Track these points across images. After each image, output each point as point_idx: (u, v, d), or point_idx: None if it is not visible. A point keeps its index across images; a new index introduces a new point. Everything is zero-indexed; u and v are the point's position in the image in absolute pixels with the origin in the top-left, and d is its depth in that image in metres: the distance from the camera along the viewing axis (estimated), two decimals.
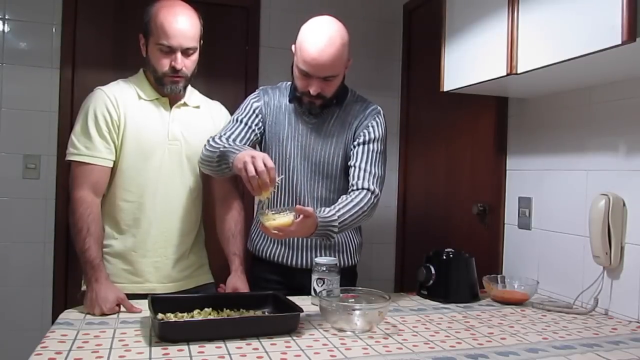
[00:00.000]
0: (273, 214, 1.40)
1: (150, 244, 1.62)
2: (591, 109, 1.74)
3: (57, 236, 2.65)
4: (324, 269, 1.58)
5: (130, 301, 1.47)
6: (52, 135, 2.64)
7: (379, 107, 1.76)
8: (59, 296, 2.64)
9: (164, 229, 1.64)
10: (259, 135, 1.74)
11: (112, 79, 1.68)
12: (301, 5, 2.97)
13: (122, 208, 1.61)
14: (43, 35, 2.63)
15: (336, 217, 1.49)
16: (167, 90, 1.61)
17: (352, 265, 1.82)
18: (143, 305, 1.43)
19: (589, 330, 1.43)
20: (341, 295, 1.48)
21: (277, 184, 1.39)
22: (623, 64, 1.43)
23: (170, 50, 1.56)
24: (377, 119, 1.72)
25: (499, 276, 1.81)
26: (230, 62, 2.91)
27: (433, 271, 1.74)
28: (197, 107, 1.73)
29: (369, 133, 1.70)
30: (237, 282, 1.66)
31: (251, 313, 1.42)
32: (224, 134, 1.65)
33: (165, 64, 1.57)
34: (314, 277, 1.59)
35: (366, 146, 1.69)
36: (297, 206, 1.41)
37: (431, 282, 1.74)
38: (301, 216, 1.39)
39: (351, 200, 1.57)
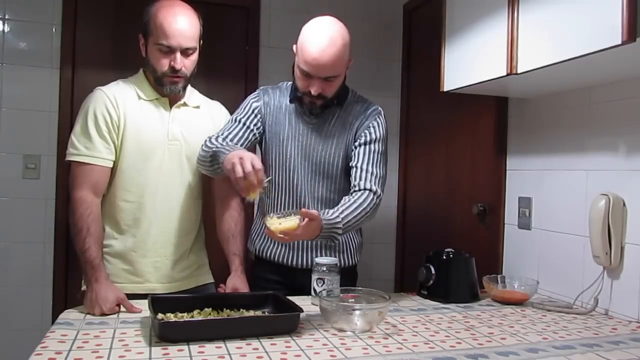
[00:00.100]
0: (278, 217, 1.40)
1: (150, 244, 1.62)
2: (591, 109, 1.73)
3: (57, 236, 2.65)
4: (324, 269, 1.58)
5: (130, 301, 1.47)
6: (52, 135, 2.64)
7: (379, 108, 1.76)
8: (59, 296, 2.64)
9: (164, 229, 1.64)
10: (257, 135, 1.74)
11: (112, 79, 1.68)
12: (301, 5, 2.97)
13: (122, 208, 1.61)
14: (43, 35, 2.63)
15: (340, 219, 1.50)
16: (167, 90, 1.61)
17: (352, 265, 1.82)
18: (143, 305, 1.43)
19: (589, 330, 1.43)
20: (341, 295, 1.48)
21: (265, 185, 1.39)
22: (623, 64, 1.43)
23: (170, 50, 1.56)
24: (378, 119, 1.72)
25: (499, 276, 1.81)
26: (230, 62, 2.91)
27: (433, 271, 1.74)
28: (197, 107, 1.73)
29: (370, 133, 1.70)
30: (237, 282, 1.66)
31: (251, 313, 1.42)
32: (222, 134, 1.65)
33: (164, 64, 1.57)
34: (314, 277, 1.59)
35: (367, 147, 1.69)
36: (303, 209, 1.41)
37: (431, 282, 1.74)
38: (306, 219, 1.40)
39: (354, 201, 1.57)
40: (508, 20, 1.58)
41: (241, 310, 1.43)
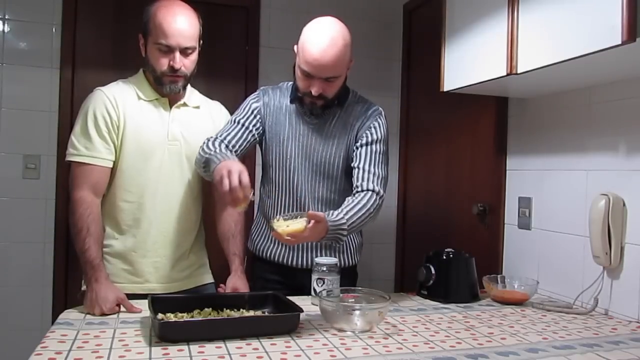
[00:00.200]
0: (285, 220, 1.41)
1: (150, 244, 1.62)
2: (591, 109, 1.73)
3: (57, 236, 2.65)
4: (324, 269, 1.58)
5: (130, 301, 1.47)
6: (52, 135, 2.64)
7: (380, 108, 1.76)
8: (59, 296, 2.64)
9: (163, 229, 1.64)
10: (257, 136, 1.74)
11: (112, 79, 1.68)
12: (301, 5, 2.97)
13: (122, 208, 1.61)
14: (43, 35, 2.63)
15: (345, 220, 1.50)
16: (166, 89, 1.61)
17: (352, 265, 1.82)
18: (143, 305, 1.43)
19: (589, 330, 1.43)
20: (341, 295, 1.48)
21: (252, 199, 1.40)
22: (623, 64, 1.43)
23: (169, 50, 1.56)
24: (378, 120, 1.73)
25: (499, 276, 1.81)
26: (230, 62, 2.91)
27: (433, 271, 1.74)
28: (197, 107, 1.73)
29: (371, 134, 1.70)
30: (237, 282, 1.67)
31: (251, 313, 1.42)
32: (221, 136, 1.65)
33: (163, 64, 1.57)
34: (314, 277, 1.59)
35: (369, 147, 1.69)
36: (310, 212, 1.42)
37: (431, 282, 1.74)
38: (312, 221, 1.40)
39: (358, 202, 1.57)
40: (508, 20, 1.58)
41: (241, 310, 1.43)
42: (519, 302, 1.71)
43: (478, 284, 1.79)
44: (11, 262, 2.59)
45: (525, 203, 2.01)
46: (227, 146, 1.63)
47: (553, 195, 1.88)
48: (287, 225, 1.39)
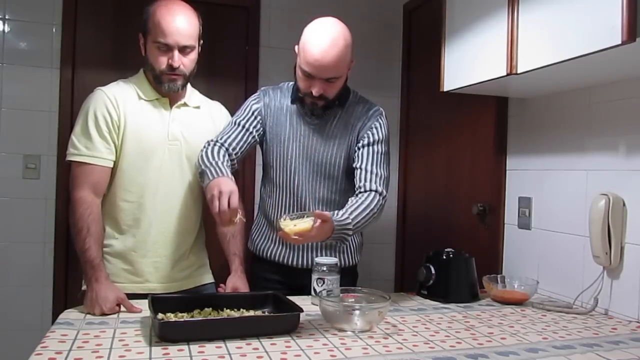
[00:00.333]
0: (291, 219, 1.42)
1: (151, 244, 1.62)
2: (591, 109, 1.74)
3: (57, 236, 2.65)
4: (324, 269, 1.58)
5: (130, 301, 1.47)
6: (52, 135, 2.64)
7: (381, 109, 1.76)
8: (59, 296, 2.64)
9: (164, 229, 1.64)
10: (257, 138, 1.74)
11: (112, 79, 1.68)
12: (301, 5, 2.97)
13: (123, 208, 1.61)
14: (43, 35, 2.63)
15: (350, 220, 1.50)
16: (165, 88, 1.61)
17: (352, 265, 1.82)
18: (143, 305, 1.43)
19: (589, 330, 1.43)
20: (341, 295, 1.48)
21: (241, 220, 1.44)
22: (623, 64, 1.43)
23: (168, 48, 1.56)
24: (380, 120, 1.73)
25: (499, 276, 1.81)
26: (230, 62, 2.91)
27: (433, 271, 1.74)
28: (198, 107, 1.73)
29: (372, 135, 1.70)
30: (237, 282, 1.67)
31: (251, 313, 1.42)
32: (221, 139, 1.65)
33: (162, 62, 1.57)
34: (314, 277, 1.59)
35: (370, 148, 1.69)
36: (316, 211, 1.42)
37: (431, 282, 1.74)
38: (319, 221, 1.41)
39: (361, 203, 1.57)
40: (508, 20, 1.58)
41: (241, 310, 1.43)
42: (519, 302, 1.71)
43: (478, 284, 1.79)
44: (11, 262, 2.59)
45: (525, 203, 2.01)
46: (226, 150, 1.63)
47: (553, 195, 1.88)
48: (294, 225, 1.40)
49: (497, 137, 2.21)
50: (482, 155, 2.34)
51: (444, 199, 2.66)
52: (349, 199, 1.61)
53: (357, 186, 1.66)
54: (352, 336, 1.29)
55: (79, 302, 1.51)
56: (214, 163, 1.52)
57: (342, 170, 1.73)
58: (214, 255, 1.83)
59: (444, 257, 1.77)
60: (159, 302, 1.36)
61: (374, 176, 1.65)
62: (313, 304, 1.55)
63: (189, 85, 1.70)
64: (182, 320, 1.32)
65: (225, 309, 1.42)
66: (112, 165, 1.58)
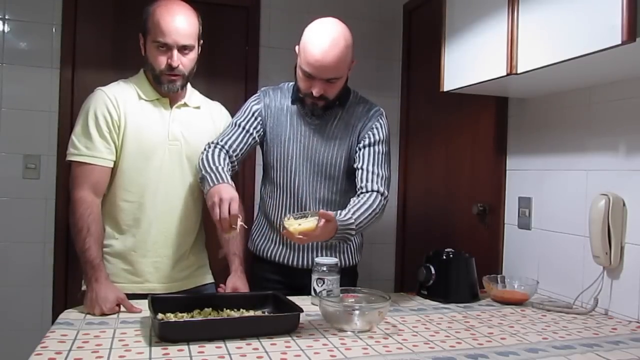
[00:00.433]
0: (296, 218, 1.42)
1: (151, 244, 1.62)
2: (591, 109, 1.73)
3: (57, 236, 2.65)
4: (324, 269, 1.58)
5: (130, 301, 1.47)
6: (52, 135, 2.64)
7: (381, 109, 1.77)
8: (59, 296, 2.64)
9: (164, 229, 1.64)
10: (257, 139, 1.74)
11: (112, 79, 1.68)
12: (301, 5, 2.97)
13: (123, 208, 1.61)
14: (43, 35, 2.63)
15: (353, 220, 1.51)
16: (165, 88, 1.61)
17: (352, 265, 1.82)
18: (143, 305, 1.43)
19: (589, 330, 1.43)
20: (341, 295, 1.48)
21: (241, 227, 1.44)
22: (623, 64, 1.43)
23: (167, 48, 1.56)
24: (380, 120, 1.73)
25: (499, 276, 1.81)
26: (230, 62, 2.91)
27: (433, 271, 1.74)
28: (198, 107, 1.73)
29: (373, 135, 1.70)
30: (237, 282, 1.67)
31: (251, 313, 1.42)
32: (222, 141, 1.65)
33: (162, 62, 1.57)
34: (314, 277, 1.59)
35: (372, 148, 1.69)
36: (321, 211, 1.43)
37: (431, 282, 1.74)
38: (323, 220, 1.41)
39: (364, 203, 1.57)
40: (508, 20, 1.58)
41: (241, 310, 1.43)
42: (519, 302, 1.71)
43: (478, 284, 1.79)
44: (11, 262, 2.59)
45: (525, 203, 2.01)
46: (227, 152, 1.64)
47: (553, 195, 1.88)
48: (299, 224, 1.40)
49: (497, 137, 2.21)
50: (482, 155, 2.34)
51: (444, 199, 2.66)
52: (351, 199, 1.61)
53: (358, 187, 1.66)
54: (352, 336, 1.29)
55: (79, 302, 1.51)
56: (214, 168, 1.53)
57: (342, 170, 1.73)
58: (214, 256, 1.83)
59: (444, 257, 1.77)
60: (158, 302, 1.36)
61: (375, 176, 1.65)
62: (313, 304, 1.55)
63: (189, 85, 1.71)
64: (182, 320, 1.32)
65: (225, 309, 1.42)
66: (112, 165, 1.58)
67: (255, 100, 1.77)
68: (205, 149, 1.63)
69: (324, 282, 1.57)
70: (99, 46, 2.73)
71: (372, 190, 1.62)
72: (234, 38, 2.92)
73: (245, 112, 1.74)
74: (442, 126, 2.70)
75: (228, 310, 1.42)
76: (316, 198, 1.72)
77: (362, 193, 1.63)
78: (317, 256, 1.69)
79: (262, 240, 1.81)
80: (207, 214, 1.79)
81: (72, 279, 2.60)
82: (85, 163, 1.54)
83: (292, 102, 1.74)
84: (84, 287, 1.54)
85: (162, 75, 1.59)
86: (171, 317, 1.35)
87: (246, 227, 1.49)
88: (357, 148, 1.71)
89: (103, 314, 1.41)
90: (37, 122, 2.63)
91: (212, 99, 1.82)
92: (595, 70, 1.52)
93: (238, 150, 1.67)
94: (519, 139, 2.10)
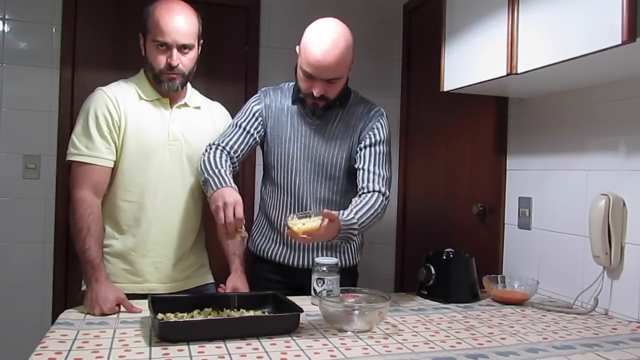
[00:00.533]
0: (299, 218, 1.43)
1: (151, 244, 1.62)
2: (591, 109, 1.73)
3: (57, 236, 2.65)
4: (324, 269, 1.58)
5: (130, 301, 1.47)
6: (52, 135, 2.64)
7: (382, 109, 1.77)
8: (59, 296, 2.64)
9: (164, 229, 1.64)
10: (258, 139, 1.74)
11: (112, 79, 1.68)
12: (301, 5, 2.97)
13: (123, 208, 1.61)
14: (43, 35, 2.63)
15: (356, 220, 1.51)
16: (165, 87, 1.61)
17: (353, 265, 1.82)
18: (143, 305, 1.43)
19: (589, 330, 1.43)
20: (341, 295, 1.48)
21: (244, 234, 1.45)
22: (623, 64, 1.43)
23: (167, 47, 1.56)
24: (381, 120, 1.73)
25: (499, 276, 1.81)
26: (230, 62, 2.91)
27: (433, 271, 1.74)
28: (198, 107, 1.73)
29: (374, 135, 1.70)
30: (237, 282, 1.67)
31: (251, 313, 1.42)
32: (222, 142, 1.65)
33: (161, 61, 1.57)
34: (314, 277, 1.59)
35: (372, 148, 1.69)
36: (325, 210, 1.43)
37: (431, 282, 1.74)
38: (327, 220, 1.41)
39: (366, 203, 1.58)
40: (508, 20, 1.58)
41: (241, 310, 1.43)
42: (519, 302, 1.71)
43: (478, 284, 1.79)
44: (11, 262, 2.59)
45: (525, 203, 2.01)
46: (228, 153, 1.64)
47: (553, 195, 1.88)
48: (302, 224, 1.40)
49: (497, 137, 2.21)
50: (482, 155, 2.34)
51: (444, 199, 2.66)
52: (353, 199, 1.61)
53: (359, 187, 1.66)
54: (352, 336, 1.29)
55: (79, 302, 1.51)
56: (216, 171, 1.53)
57: (343, 170, 1.73)
58: (214, 256, 1.83)
59: (444, 257, 1.77)
60: (158, 302, 1.36)
61: (376, 177, 1.65)
62: (313, 304, 1.55)
63: (189, 85, 1.71)
64: (182, 320, 1.32)
65: (225, 309, 1.42)
66: (112, 165, 1.58)
67: (255, 100, 1.77)
68: (206, 151, 1.63)
69: (324, 282, 1.57)
70: (99, 46, 2.73)
71: (374, 191, 1.63)
72: (234, 38, 2.92)
73: (245, 112, 1.74)
74: (442, 126, 2.70)
75: (228, 310, 1.42)
76: (317, 198, 1.72)
77: (363, 193, 1.63)
78: (317, 256, 1.69)
79: (262, 240, 1.81)
80: (207, 214, 1.79)
81: (72, 279, 2.60)
82: (85, 163, 1.54)
83: (293, 103, 1.74)
84: (84, 287, 1.54)
85: (161, 75, 1.59)
86: (171, 317, 1.35)
87: (247, 236, 1.50)
88: (357, 148, 1.71)
89: (103, 314, 1.41)
90: (37, 122, 2.63)
91: (212, 99, 1.82)
92: (595, 70, 1.52)
93: (239, 151, 1.67)
94: (519, 139, 2.10)
